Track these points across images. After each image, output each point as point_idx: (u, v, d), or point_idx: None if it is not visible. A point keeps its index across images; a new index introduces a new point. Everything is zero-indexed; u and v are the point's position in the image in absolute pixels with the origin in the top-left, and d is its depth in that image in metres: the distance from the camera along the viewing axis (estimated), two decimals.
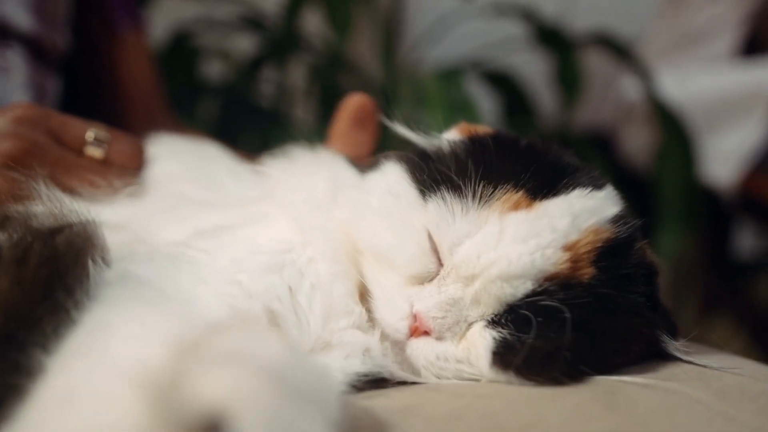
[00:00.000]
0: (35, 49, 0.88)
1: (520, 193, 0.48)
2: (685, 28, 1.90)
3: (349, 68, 1.62)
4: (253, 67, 1.65)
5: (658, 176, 1.41)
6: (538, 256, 0.46)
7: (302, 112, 1.72)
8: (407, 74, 1.60)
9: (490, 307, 0.47)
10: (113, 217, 0.50)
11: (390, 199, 0.53)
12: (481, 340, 0.47)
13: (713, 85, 1.72)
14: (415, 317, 0.48)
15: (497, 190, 0.48)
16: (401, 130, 0.58)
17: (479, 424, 0.36)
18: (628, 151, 1.81)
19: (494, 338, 0.46)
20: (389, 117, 0.59)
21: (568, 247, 0.47)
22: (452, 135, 0.56)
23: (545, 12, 1.57)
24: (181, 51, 1.54)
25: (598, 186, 0.51)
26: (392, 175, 0.54)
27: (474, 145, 0.53)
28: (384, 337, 0.50)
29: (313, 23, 1.63)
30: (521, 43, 1.52)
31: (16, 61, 0.85)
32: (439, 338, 0.48)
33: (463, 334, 0.48)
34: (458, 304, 0.47)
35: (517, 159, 0.51)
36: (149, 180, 0.61)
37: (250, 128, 1.43)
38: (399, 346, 0.49)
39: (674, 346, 0.50)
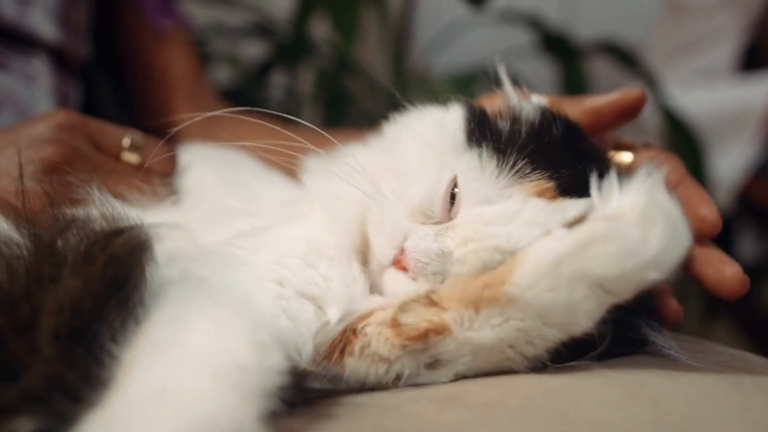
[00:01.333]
0: (59, 58, 0.91)
1: (551, 184, 0.48)
2: (686, 38, 1.91)
3: (357, 74, 1.64)
4: (261, 72, 1.67)
5: None
6: None
7: (310, 116, 1.75)
8: (417, 80, 1.62)
9: (473, 269, 0.47)
10: (162, 221, 0.52)
11: (435, 130, 0.53)
12: None
13: (705, 102, 1.72)
14: (402, 250, 0.49)
15: (534, 172, 0.48)
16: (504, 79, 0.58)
17: (519, 411, 0.39)
18: None
19: None
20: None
21: None
22: (537, 101, 0.55)
23: (550, 20, 1.59)
24: None
25: None
26: (452, 113, 0.55)
27: (542, 117, 0.52)
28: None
29: (323, 29, 1.65)
30: (527, 50, 1.55)
31: (41, 69, 0.88)
32: (414, 279, 0.49)
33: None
34: (446, 257, 0.48)
35: (568, 153, 0.51)
36: (185, 188, 0.63)
37: None
38: (378, 271, 0.51)
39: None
